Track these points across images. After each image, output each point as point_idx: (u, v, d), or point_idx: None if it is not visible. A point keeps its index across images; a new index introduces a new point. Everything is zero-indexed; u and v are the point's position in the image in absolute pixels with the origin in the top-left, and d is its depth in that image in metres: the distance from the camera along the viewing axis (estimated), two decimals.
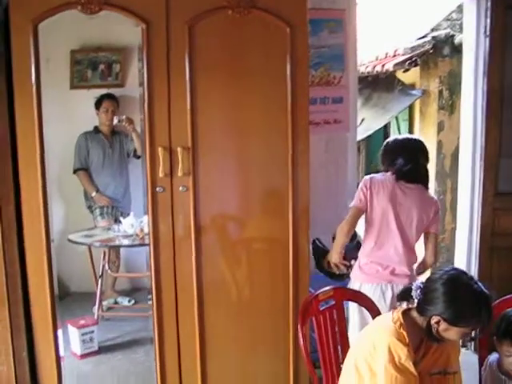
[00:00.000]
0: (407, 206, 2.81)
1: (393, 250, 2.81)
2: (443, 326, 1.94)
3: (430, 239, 2.90)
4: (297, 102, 2.75)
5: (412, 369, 1.91)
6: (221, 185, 2.79)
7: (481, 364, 2.34)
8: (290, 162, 2.78)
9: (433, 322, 1.96)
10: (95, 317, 4.27)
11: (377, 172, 2.97)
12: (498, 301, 2.41)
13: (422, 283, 2.04)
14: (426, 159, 2.92)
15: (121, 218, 4.42)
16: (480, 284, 1.97)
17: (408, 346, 1.93)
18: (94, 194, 4.73)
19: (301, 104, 2.76)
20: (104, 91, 4.85)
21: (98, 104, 4.76)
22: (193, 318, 2.78)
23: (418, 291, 2.02)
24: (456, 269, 2.07)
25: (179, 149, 2.62)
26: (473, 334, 1.99)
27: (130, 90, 4.99)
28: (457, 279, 1.99)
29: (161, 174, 2.62)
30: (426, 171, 2.91)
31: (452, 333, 1.95)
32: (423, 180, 2.87)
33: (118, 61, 5.03)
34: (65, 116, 4.79)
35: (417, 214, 2.82)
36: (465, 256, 3.93)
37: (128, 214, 4.41)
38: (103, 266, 4.49)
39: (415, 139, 3.03)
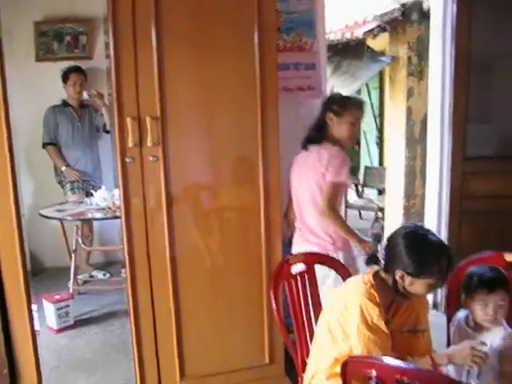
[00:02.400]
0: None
1: None
2: (408, 280, 1.99)
3: None
4: (265, 70, 2.74)
5: (384, 327, 1.96)
6: (191, 154, 2.78)
7: (449, 322, 2.41)
8: (259, 130, 2.78)
9: (397, 277, 2.00)
10: (70, 291, 4.28)
11: None
12: (463, 262, 2.46)
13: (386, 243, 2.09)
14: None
15: (92, 192, 4.39)
16: (438, 236, 2.05)
17: (379, 306, 1.98)
18: (63, 168, 4.70)
19: (269, 71, 2.75)
20: (71, 64, 4.79)
21: (66, 77, 4.70)
22: (167, 288, 2.79)
23: (383, 251, 2.07)
24: (414, 224, 2.14)
25: (148, 118, 2.60)
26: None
27: (97, 63, 4.93)
28: (415, 232, 2.05)
29: (130, 144, 2.60)
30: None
31: (417, 286, 1.99)
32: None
33: (85, 32, 4.96)
34: (32, 89, 4.74)
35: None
36: (435, 220, 3.99)
37: (100, 188, 4.40)
38: (76, 240, 4.49)
39: None
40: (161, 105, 2.63)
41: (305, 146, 2.98)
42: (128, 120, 2.58)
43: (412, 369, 1.67)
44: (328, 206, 2.84)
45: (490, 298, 2.18)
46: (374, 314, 1.96)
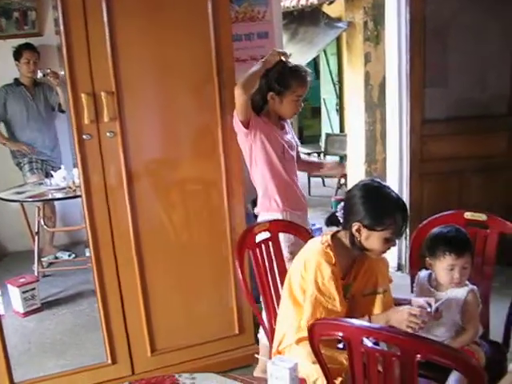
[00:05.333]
0: None
1: None
2: (364, 233, 2.00)
3: None
4: (220, 41, 2.72)
5: (333, 289, 1.97)
6: (150, 128, 2.76)
7: (413, 283, 2.45)
8: (217, 101, 2.76)
9: (354, 230, 2.01)
10: (35, 274, 4.22)
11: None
12: (424, 222, 2.51)
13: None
14: None
15: (52, 172, 4.31)
16: (394, 191, 2.06)
17: (334, 267, 1.99)
18: (4, 142, 4.58)
19: (224, 43, 2.74)
20: (22, 41, 4.64)
21: (18, 55, 4.56)
22: (132, 265, 2.78)
23: (342, 211, 2.09)
24: (371, 178, 2.18)
25: (103, 94, 2.55)
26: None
27: (48, 39, 4.80)
28: (371, 184, 2.08)
29: (86, 121, 2.55)
30: None
31: (373, 240, 2.01)
32: None
33: (34, 8, 4.81)
34: None
35: None
36: (396, 184, 4.04)
37: (59, 168, 4.31)
38: (38, 222, 4.41)
39: None
40: (116, 79, 2.59)
41: None
42: (83, 96, 2.54)
43: (378, 328, 1.70)
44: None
45: (457, 262, 2.21)
46: (326, 274, 1.97)
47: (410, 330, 1.93)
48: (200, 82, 2.77)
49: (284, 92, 2.72)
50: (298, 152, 2.96)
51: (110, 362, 2.86)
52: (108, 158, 2.65)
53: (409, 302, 2.12)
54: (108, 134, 2.60)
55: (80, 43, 2.51)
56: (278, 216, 2.72)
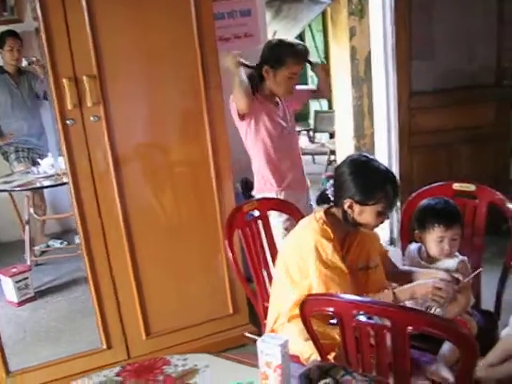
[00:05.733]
0: None
1: None
2: (356, 208, 1.99)
3: None
4: (202, 21, 2.68)
5: (339, 263, 1.96)
6: (135, 112, 2.73)
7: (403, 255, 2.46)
8: (202, 82, 2.74)
9: (346, 206, 2.00)
10: (27, 263, 4.21)
11: None
12: (413, 194, 2.50)
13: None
14: None
15: (38, 160, 4.28)
16: (383, 164, 2.05)
17: (333, 241, 1.98)
18: None
19: (206, 22, 2.70)
20: (2, 28, 4.58)
21: (1, 42, 4.50)
22: (123, 249, 2.78)
23: (332, 188, 2.07)
24: (359, 153, 2.17)
25: (85, 78, 2.52)
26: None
27: (29, 25, 4.72)
28: (359, 159, 2.06)
29: (69, 106, 2.53)
30: None
31: (366, 215, 2.00)
32: None
33: None
34: None
35: None
36: (386, 157, 4.03)
37: (46, 156, 4.28)
38: (28, 211, 4.39)
39: None
40: (97, 63, 2.56)
41: None
42: (64, 81, 2.51)
43: (368, 302, 1.70)
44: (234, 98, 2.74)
45: (446, 234, 2.21)
46: (328, 250, 1.96)
47: (434, 304, 1.95)
48: (183, 64, 2.74)
49: (278, 68, 2.71)
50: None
51: (105, 347, 2.87)
52: (93, 142, 2.62)
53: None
54: (92, 118, 2.58)
55: (59, 28, 2.48)
56: (273, 196, 2.72)
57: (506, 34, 3.96)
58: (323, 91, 3.19)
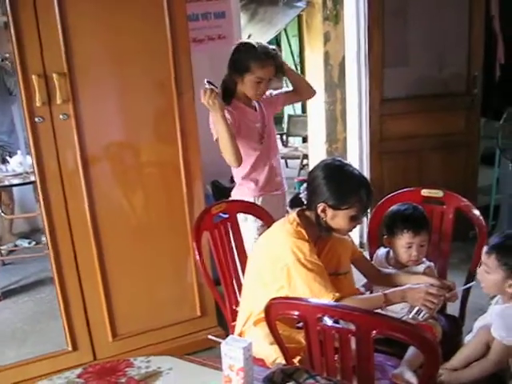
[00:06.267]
0: None
1: None
2: (330, 213, 1.98)
3: None
4: (176, 21, 2.67)
5: (318, 261, 1.95)
6: (106, 111, 2.70)
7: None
8: (173, 83, 2.72)
9: (319, 210, 1.99)
10: None
11: None
12: (382, 200, 2.52)
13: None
14: None
15: (8, 158, 4.21)
16: (356, 168, 2.06)
17: (309, 242, 1.97)
18: None
19: (179, 22, 2.69)
20: None
21: None
22: (91, 250, 2.74)
23: (305, 191, 2.06)
24: (333, 158, 2.14)
25: (55, 75, 2.48)
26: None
27: None
28: (332, 164, 2.05)
29: (38, 103, 2.49)
30: None
31: (339, 219, 1.99)
32: None
33: None
34: None
35: None
36: (357, 162, 4.06)
37: (16, 154, 4.21)
38: None
39: None
40: (68, 60, 2.53)
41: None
42: (34, 78, 2.47)
43: (333, 306, 1.71)
44: (227, 160, 2.63)
45: (414, 240, 2.23)
46: (306, 250, 1.94)
47: (424, 309, 1.94)
48: (155, 65, 2.72)
49: (243, 74, 2.65)
50: None
51: (70, 348, 2.83)
52: (62, 141, 2.59)
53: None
54: (61, 116, 2.55)
55: (29, 23, 2.44)
56: (251, 200, 2.71)
57: (477, 42, 4.02)
58: (302, 92, 3.03)
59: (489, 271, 1.95)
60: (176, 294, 2.99)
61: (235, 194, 2.82)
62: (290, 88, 2.96)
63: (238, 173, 2.79)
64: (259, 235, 2.62)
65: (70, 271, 2.74)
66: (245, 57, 2.64)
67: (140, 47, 2.67)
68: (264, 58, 2.63)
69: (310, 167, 4.70)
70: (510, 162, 3.99)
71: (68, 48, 2.51)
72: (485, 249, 1.99)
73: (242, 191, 2.78)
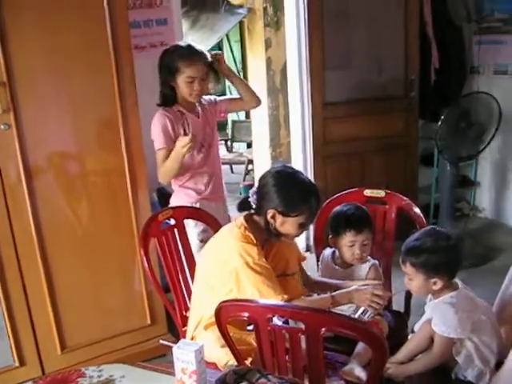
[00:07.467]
0: None
1: None
2: (279, 219, 2.02)
3: None
4: (117, 29, 2.66)
5: (267, 265, 1.98)
6: (48, 120, 2.65)
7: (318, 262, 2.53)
8: (116, 90, 2.71)
9: (269, 216, 2.02)
10: None
11: None
12: (326, 201, 2.58)
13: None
14: None
15: None
16: (306, 176, 2.10)
17: (257, 246, 1.99)
18: None
19: (121, 30, 2.68)
20: None
21: None
22: (36, 262, 2.69)
23: (254, 196, 2.08)
24: (283, 164, 2.18)
25: None
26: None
27: None
28: (284, 171, 2.08)
29: None
30: None
31: (288, 226, 2.02)
32: None
33: None
34: None
35: None
36: (301, 167, 4.09)
37: None
38: None
39: None
40: (7, 69, 2.47)
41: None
42: None
43: (282, 306, 1.74)
44: (159, 177, 2.71)
45: (357, 238, 2.30)
46: (254, 253, 1.96)
47: (370, 310, 2.00)
48: (98, 72, 2.69)
49: (175, 75, 2.63)
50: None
51: (17, 364, 2.76)
52: (3, 151, 2.54)
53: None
54: (2, 126, 2.49)
55: None
56: (188, 205, 2.70)
57: (412, 47, 4.15)
58: (247, 101, 2.92)
59: (411, 278, 2.00)
60: (125, 302, 2.96)
61: (173, 202, 2.81)
62: (236, 95, 2.97)
63: (175, 181, 2.79)
64: (201, 240, 2.65)
65: (15, 283, 2.67)
66: (172, 58, 2.63)
67: (82, 56, 2.64)
68: (190, 56, 2.62)
69: (255, 172, 4.77)
70: (448, 161, 4.13)
71: (7, 57, 2.46)
72: (400, 260, 2.04)
73: (181, 198, 2.78)
